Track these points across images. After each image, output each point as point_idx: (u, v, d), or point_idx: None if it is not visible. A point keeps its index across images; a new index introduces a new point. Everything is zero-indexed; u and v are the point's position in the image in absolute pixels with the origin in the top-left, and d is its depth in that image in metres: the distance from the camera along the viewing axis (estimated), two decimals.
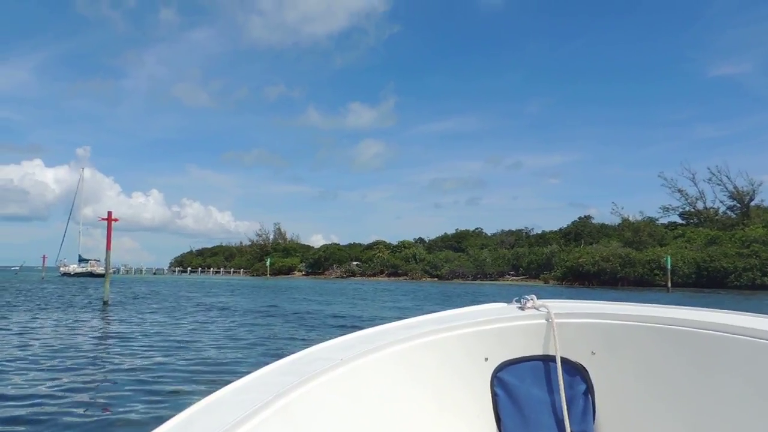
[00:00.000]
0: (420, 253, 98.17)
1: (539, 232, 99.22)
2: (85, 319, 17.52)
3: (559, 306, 2.02)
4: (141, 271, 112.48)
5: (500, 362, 1.93)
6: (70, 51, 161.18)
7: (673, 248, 63.74)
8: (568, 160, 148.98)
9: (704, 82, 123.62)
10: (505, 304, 2.15)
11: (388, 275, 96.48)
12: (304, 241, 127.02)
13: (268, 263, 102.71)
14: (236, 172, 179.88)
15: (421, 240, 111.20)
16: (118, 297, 29.17)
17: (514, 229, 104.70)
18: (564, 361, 1.91)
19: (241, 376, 1.47)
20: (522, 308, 2.02)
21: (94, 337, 13.40)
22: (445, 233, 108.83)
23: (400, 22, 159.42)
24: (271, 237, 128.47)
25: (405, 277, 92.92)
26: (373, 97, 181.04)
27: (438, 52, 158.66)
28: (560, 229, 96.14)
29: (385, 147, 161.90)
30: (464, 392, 1.90)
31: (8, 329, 14.29)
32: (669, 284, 53.72)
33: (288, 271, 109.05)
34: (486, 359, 1.93)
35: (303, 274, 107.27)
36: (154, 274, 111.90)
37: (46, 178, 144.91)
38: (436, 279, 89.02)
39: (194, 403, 1.28)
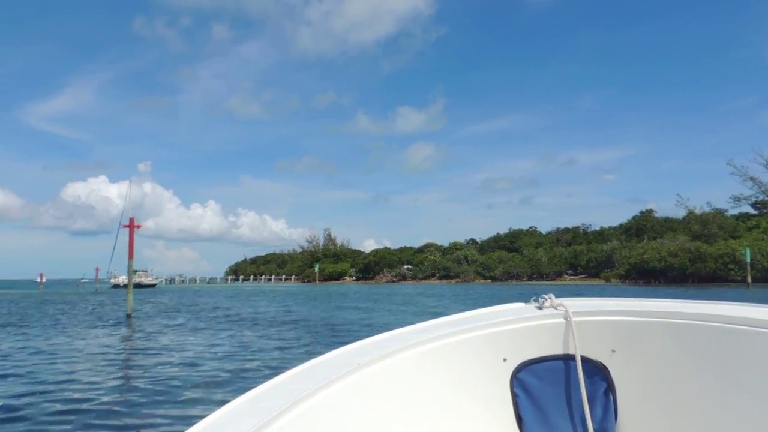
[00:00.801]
0: (472, 255, 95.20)
1: (597, 228, 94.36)
2: (98, 335, 16.44)
3: (578, 304, 2.01)
4: (195, 280, 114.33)
5: (519, 363, 1.91)
6: (130, 70, 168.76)
7: (748, 240, 58.69)
8: (624, 154, 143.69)
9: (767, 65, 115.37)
10: (523, 304, 2.12)
11: (440, 278, 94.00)
12: (356, 246, 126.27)
13: (316, 269, 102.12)
14: (289, 180, 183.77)
15: (472, 241, 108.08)
16: (150, 309, 28.51)
17: (570, 227, 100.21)
18: (584, 360, 1.88)
19: (257, 384, 1.48)
20: (540, 308, 1.99)
21: (94, 354, 12.20)
22: (498, 233, 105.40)
23: (446, 23, 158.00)
24: (321, 243, 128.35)
25: (457, 279, 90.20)
26: (422, 100, 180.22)
27: (486, 51, 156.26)
28: (620, 224, 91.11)
29: (435, 149, 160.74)
30: (484, 394, 1.89)
31: (14, 345, 13.81)
32: (749, 279, 49.13)
33: (338, 276, 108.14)
34: (505, 360, 1.91)
35: (353, 280, 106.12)
36: (208, 283, 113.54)
37: (111, 193, 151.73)
38: (489, 281, 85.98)
39: (211, 412, 1.28)
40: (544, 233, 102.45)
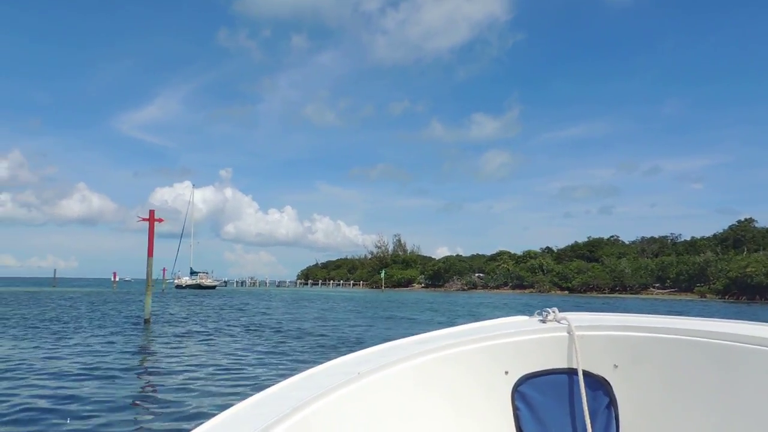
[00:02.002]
0: (548, 264, 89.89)
1: (687, 239, 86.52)
2: (100, 342, 14.60)
3: (581, 318, 1.99)
4: (265, 283, 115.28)
5: (521, 376, 1.89)
6: (213, 81, 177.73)
7: None
8: (712, 162, 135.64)
9: None
10: (526, 317, 2.10)
11: (513, 287, 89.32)
12: (428, 253, 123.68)
13: (382, 275, 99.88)
14: (363, 187, 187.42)
15: (548, 250, 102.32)
16: (179, 311, 27.25)
17: (656, 236, 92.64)
18: (586, 374, 1.87)
19: (258, 391, 1.47)
20: (543, 321, 1.98)
21: (84, 364, 10.24)
22: (576, 242, 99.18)
23: (523, 29, 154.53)
24: (391, 249, 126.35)
25: (531, 289, 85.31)
26: (497, 107, 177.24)
27: (564, 58, 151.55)
28: (714, 234, 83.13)
29: (511, 157, 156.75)
30: (484, 406, 1.87)
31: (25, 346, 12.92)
32: None
33: (407, 283, 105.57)
34: (506, 373, 1.89)
35: (422, 287, 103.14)
36: (278, 286, 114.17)
37: (195, 198, 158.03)
38: (566, 292, 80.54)
39: (212, 417, 1.29)
40: (627, 243, 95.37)
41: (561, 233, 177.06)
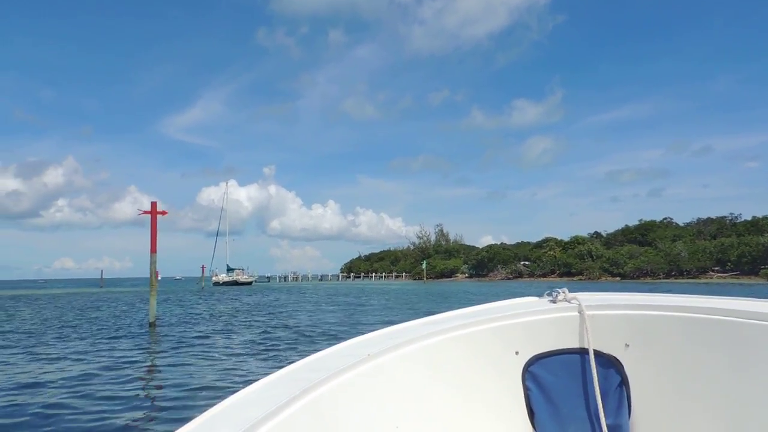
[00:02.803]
0: (597, 250, 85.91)
1: (749, 218, 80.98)
2: (96, 349, 13.26)
3: (592, 298, 1.99)
4: (308, 278, 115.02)
5: (531, 356, 1.89)
6: (253, 80, 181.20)
7: None
8: None
9: None
10: (536, 298, 2.11)
11: (560, 275, 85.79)
12: (472, 243, 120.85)
13: (423, 266, 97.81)
14: (404, 178, 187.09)
15: (597, 235, 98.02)
16: (206, 312, 26.05)
17: (714, 217, 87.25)
18: (597, 354, 1.86)
19: (267, 374, 1.48)
20: (553, 301, 1.98)
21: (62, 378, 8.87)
22: (626, 225, 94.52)
23: (563, 11, 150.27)
24: (433, 239, 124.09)
25: (580, 276, 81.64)
26: (539, 92, 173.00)
27: (606, 38, 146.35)
28: None
29: (554, 142, 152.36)
30: (495, 386, 1.87)
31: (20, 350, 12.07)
32: None
33: (450, 273, 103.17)
34: (517, 353, 1.89)
35: (466, 277, 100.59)
36: (320, 280, 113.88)
37: (240, 196, 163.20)
38: (618, 278, 76.73)
39: (223, 399, 1.30)
40: (681, 225, 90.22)
41: (608, 218, 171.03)
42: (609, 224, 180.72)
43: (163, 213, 17.26)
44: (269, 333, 15.40)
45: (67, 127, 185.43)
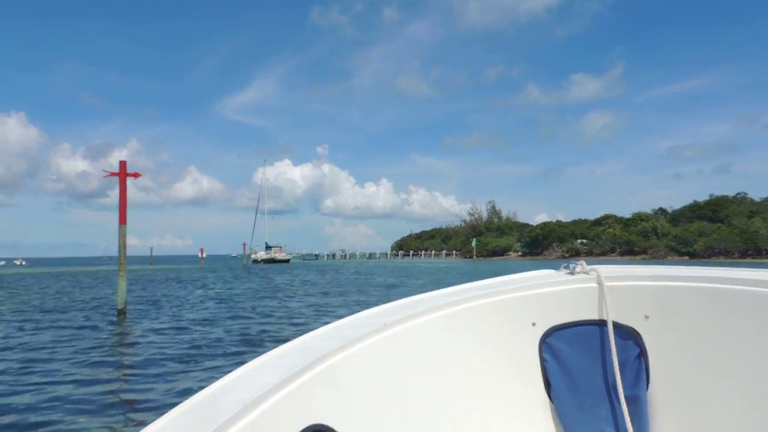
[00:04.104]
0: (663, 227, 79.55)
1: None
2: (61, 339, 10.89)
3: (611, 269, 1.95)
4: (356, 255, 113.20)
5: (549, 327, 1.87)
6: (307, 60, 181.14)
7: None
8: None
9: None
10: (553, 271, 2.08)
11: (621, 254, 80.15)
12: (526, 220, 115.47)
13: (473, 244, 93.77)
14: (457, 156, 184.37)
15: (662, 211, 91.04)
16: (214, 290, 23.80)
17: None
18: (616, 325, 1.83)
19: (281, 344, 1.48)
20: (571, 273, 1.96)
21: None
22: (695, 201, 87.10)
23: None
24: (485, 216, 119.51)
25: (644, 255, 75.92)
26: (598, 65, 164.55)
27: (670, 7, 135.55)
28: None
29: (614, 117, 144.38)
30: (511, 357, 1.85)
31: None
32: None
33: (502, 252, 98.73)
34: (534, 324, 1.87)
35: (519, 255, 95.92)
36: (368, 258, 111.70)
37: (295, 175, 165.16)
38: (686, 257, 70.59)
39: (237, 368, 1.31)
40: (758, 200, 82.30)
41: (670, 196, 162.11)
42: (671, 202, 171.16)
43: (135, 175, 14.11)
44: (212, 332, 12.35)
45: (131, 111, 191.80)
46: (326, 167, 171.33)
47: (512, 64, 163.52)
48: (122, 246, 13.68)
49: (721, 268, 1.89)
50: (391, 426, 1.53)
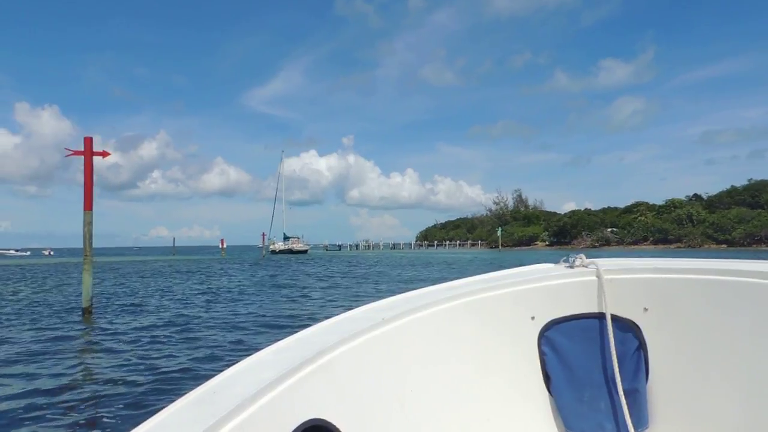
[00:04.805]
0: (698, 213, 75.88)
1: None
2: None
3: (610, 262, 1.98)
4: (379, 246, 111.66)
5: (548, 321, 1.88)
6: (332, 50, 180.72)
7: None
8: None
9: None
10: (552, 264, 2.09)
11: (654, 243, 76.80)
12: (553, 209, 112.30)
13: (499, 233, 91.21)
14: (483, 145, 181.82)
15: (696, 197, 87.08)
16: (207, 284, 21.81)
17: None
18: (614, 318, 1.85)
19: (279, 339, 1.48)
20: (570, 266, 1.97)
21: None
22: (733, 186, 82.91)
23: None
24: (511, 205, 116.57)
25: (678, 244, 72.51)
26: (628, 50, 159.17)
27: None
28: None
29: (645, 103, 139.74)
30: (510, 352, 1.87)
31: None
32: None
33: (528, 241, 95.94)
34: (533, 318, 1.88)
35: (546, 245, 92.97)
36: (392, 248, 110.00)
37: (320, 166, 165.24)
38: (724, 245, 67.08)
39: (236, 362, 1.30)
40: None
41: (703, 183, 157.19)
42: (704, 189, 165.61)
43: (104, 154, 12.13)
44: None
45: (160, 103, 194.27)
46: (351, 158, 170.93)
47: (539, 50, 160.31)
48: (87, 235, 11.91)
49: (721, 260, 1.87)
50: (390, 420, 1.53)
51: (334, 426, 1.27)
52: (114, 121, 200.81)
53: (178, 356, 8.27)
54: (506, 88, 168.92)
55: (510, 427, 1.82)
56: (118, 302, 14.95)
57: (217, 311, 13.16)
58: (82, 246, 12.02)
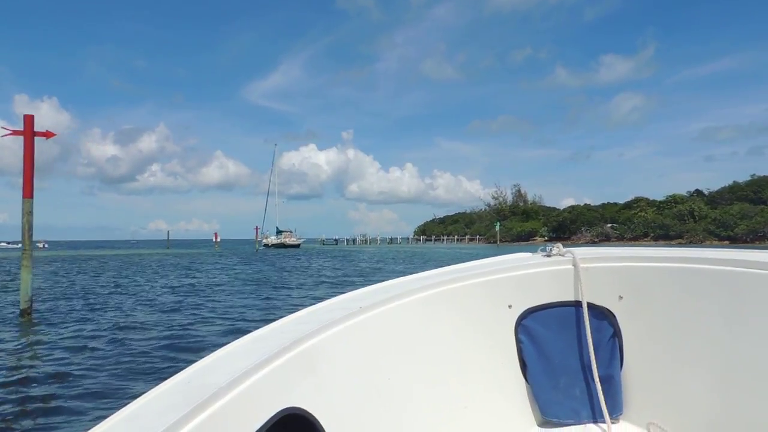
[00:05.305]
0: (700, 209, 74.49)
1: None
2: None
3: (586, 251, 2.00)
4: (376, 240, 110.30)
5: (525, 309, 1.91)
6: (332, 44, 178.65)
7: None
8: None
9: None
10: (529, 254, 2.11)
11: (655, 239, 75.39)
12: (552, 204, 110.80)
13: (497, 228, 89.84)
14: (483, 140, 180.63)
15: (698, 193, 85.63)
16: (186, 281, 20.39)
17: None
18: (590, 306, 1.88)
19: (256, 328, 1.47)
20: (547, 255, 2.00)
21: None
22: (735, 182, 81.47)
23: None
24: (510, 200, 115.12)
25: (680, 240, 71.05)
26: (629, 46, 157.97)
27: None
28: None
29: (644, 99, 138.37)
30: (487, 340, 1.89)
31: None
32: None
33: (527, 237, 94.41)
34: (510, 306, 1.91)
35: (545, 240, 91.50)
36: (389, 243, 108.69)
37: (320, 160, 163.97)
38: (726, 242, 65.68)
39: (213, 351, 1.29)
40: None
41: (703, 179, 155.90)
42: (703, 185, 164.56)
43: (47, 134, 10.63)
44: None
45: (159, 96, 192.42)
46: (351, 152, 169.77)
47: (540, 46, 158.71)
48: (27, 226, 10.42)
49: (694, 248, 1.90)
50: (367, 408, 1.53)
51: (311, 414, 1.26)
52: (113, 114, 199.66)
53: (105, 368, 6.98)
54: (506, 83, 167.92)
55: (487, 414, 1.82)
56: (70, 303, 13.58)
57: (173, 317, 11.83)
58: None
